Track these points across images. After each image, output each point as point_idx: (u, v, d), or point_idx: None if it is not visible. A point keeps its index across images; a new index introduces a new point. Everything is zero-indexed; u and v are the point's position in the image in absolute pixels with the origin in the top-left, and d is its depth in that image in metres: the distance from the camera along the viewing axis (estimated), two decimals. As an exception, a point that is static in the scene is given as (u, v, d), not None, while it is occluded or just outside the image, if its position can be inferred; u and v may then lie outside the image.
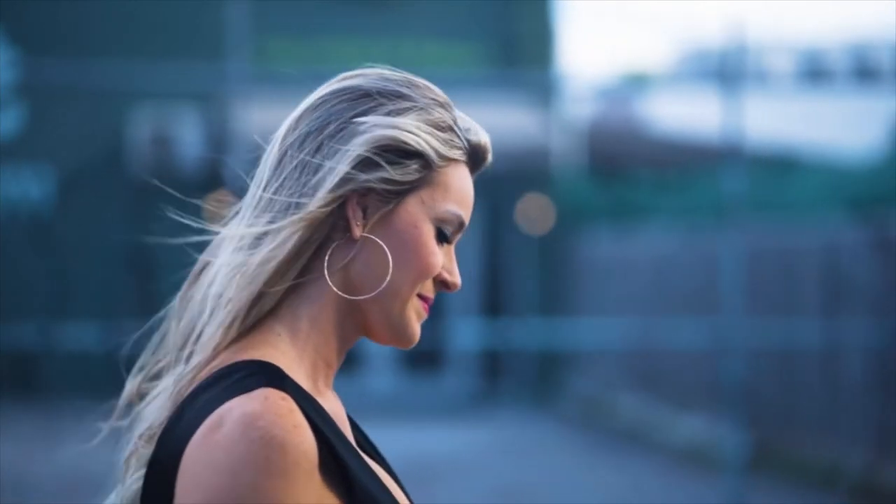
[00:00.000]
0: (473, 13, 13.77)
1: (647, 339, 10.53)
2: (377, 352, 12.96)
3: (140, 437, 1.39)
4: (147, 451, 1.37)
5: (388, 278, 1.36)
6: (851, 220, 8.91)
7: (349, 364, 16.34)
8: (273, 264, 1.34)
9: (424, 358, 12.98)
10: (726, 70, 8.07)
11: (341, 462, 1.29)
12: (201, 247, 1.43)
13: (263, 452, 1.23)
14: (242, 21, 12.29)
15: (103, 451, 1.59)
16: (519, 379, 13.34)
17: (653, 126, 16.06)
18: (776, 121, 13.63)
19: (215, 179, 12.61)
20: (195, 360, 1.36)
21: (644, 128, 16.05)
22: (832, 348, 8.66)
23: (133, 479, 1.40)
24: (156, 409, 1.39)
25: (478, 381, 13.41)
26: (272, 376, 1.30)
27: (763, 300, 9.46)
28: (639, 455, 10.04)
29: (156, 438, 1.35)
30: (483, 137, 1.43)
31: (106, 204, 12.98)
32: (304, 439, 1.26)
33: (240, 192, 1.44)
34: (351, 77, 1.40)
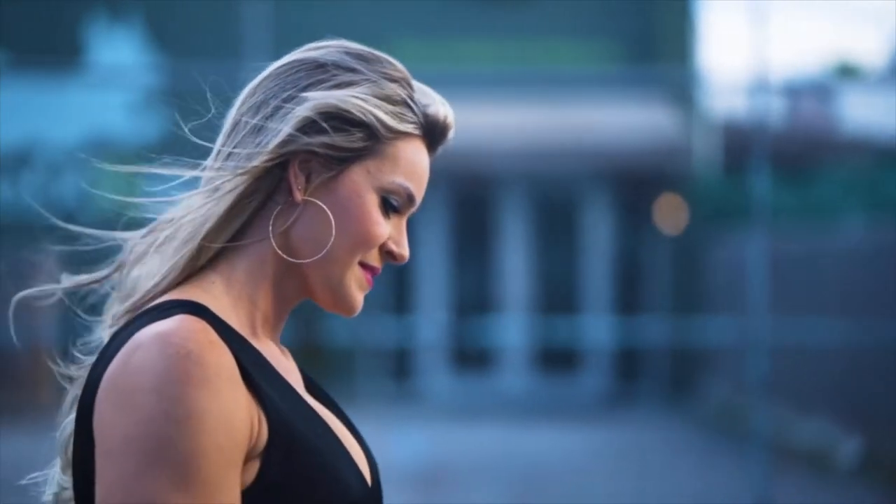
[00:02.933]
0: (607, 10, 13.67)
1: (778, 339, 10.36)
2: (510, 350, 12.97)
3: (75, 378, 1.41)
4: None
5: (330, 243, 1.36)
6: None
7: (481, 363, 16.30)
8: (213, 221, 1.36)
9: (558, 357, 12.94)
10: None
11: (256, 386, 1.29)
12: None
13: (182, 365, 1.24)
14: (367, 21, 12.39)
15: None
16: (654, 379, 13.21)
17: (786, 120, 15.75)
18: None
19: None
20: (129, 302, 1.38)
21: (785, 123, 15.77)
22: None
23: (67, 422, 1.41)
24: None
25: (612, 381, 13.31)
26: (192, 308, 1.32)
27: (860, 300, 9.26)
28: (757, 458, 9.86)
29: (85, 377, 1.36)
30: (443, 113, 1.42)
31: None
32: (222, 354, 1.27)
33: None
34: (311, 49, 1.43)
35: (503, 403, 12.41)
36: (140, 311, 1.35)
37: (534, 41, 13.46)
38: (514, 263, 13.34)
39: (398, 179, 1.39)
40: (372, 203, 1.38)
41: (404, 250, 1.41)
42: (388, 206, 1.39)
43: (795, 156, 14.22)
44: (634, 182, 13.56)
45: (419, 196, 1.41)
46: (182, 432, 1.23)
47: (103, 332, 1.41)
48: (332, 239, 1.36)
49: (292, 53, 1.43)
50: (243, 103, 1.42)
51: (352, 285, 1.39)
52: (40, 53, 12.69)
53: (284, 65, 1.42)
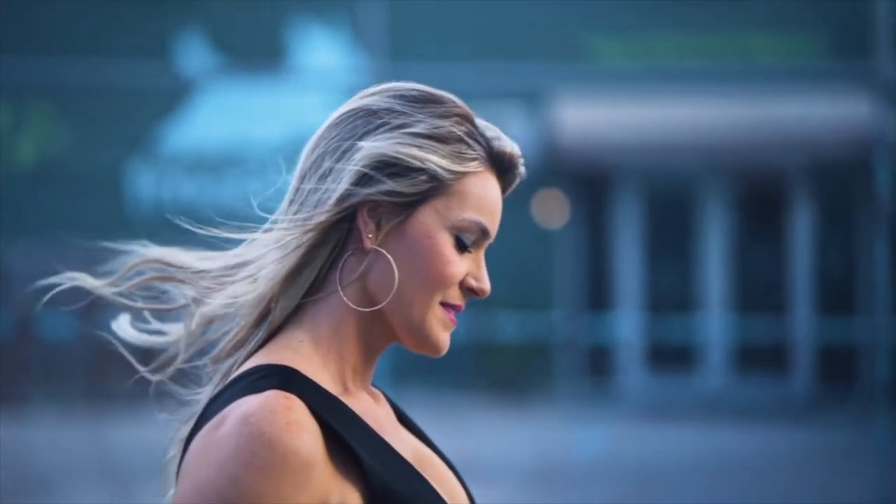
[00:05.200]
0: (806, 3, 13.32)
1: None
2: (710, 348, 12.78)
3: (176, 440, 1.46)
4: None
5: (395, 289, 1.37)
6: None
7: (679, 361, 16.01)
8: (281, 276, 1.38)
9: (761, 355, 12.68)
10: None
11: (356, 455, 1.31)
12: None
13: (249, 447, 1.27)
14: (564, 20, 12.38)
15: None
16: (865, 379, 12.80)
17: None
18: None
19: (544, 178, 12.77)
20: (224, 364, 1.41)
21: None
22: None
23: (170, 495, 1.45)
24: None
25: (819, 381, 12.96)
26: (284, 377, 1.34)
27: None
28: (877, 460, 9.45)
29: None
30: (508, 146, 1.43)
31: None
32: (297, 437, 1.29)
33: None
34: (364, 96, 1.43)
35: (702, 403, 12.23)
36: (232, 377, 1.38)
37: (732, 34, 13.21)
38: (714, 260, 13.13)
39: (468, 216, 1.39)
40: (444, 243, 1.38)
41: (485, 284, 1.41)
42: (463, 243, 1.39)
43: None
44: (841, 177, 13.18)
45: (493, 229, 1.41)
46: None
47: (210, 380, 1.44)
48: (397, 283, 1.37)
49: (349, 101, 1.44)
50: (305, 159, 1.44)
51: (434, 326, 1.40)
52: (249, 57, 13.14)
53: (339, 115, 1.43)
